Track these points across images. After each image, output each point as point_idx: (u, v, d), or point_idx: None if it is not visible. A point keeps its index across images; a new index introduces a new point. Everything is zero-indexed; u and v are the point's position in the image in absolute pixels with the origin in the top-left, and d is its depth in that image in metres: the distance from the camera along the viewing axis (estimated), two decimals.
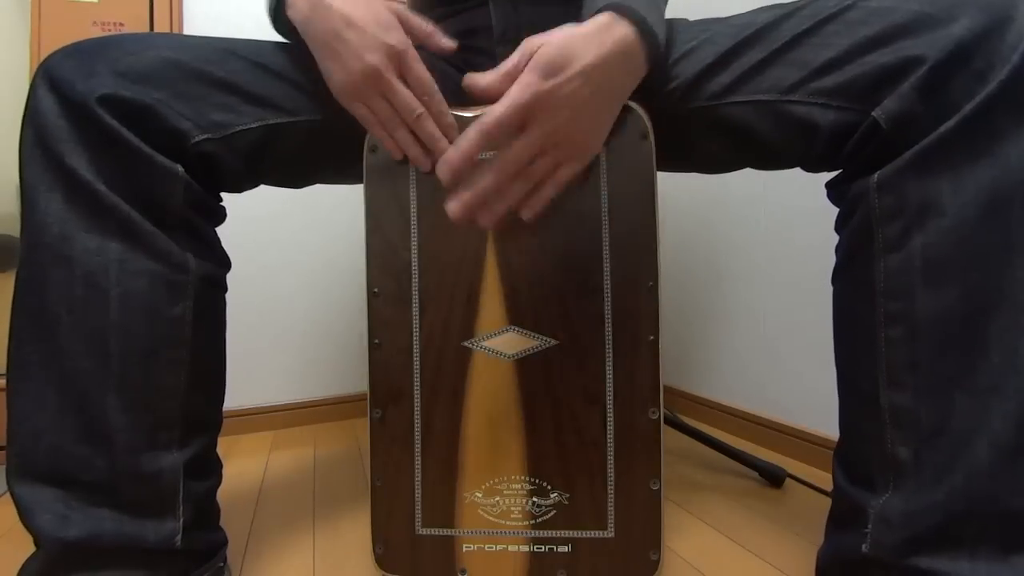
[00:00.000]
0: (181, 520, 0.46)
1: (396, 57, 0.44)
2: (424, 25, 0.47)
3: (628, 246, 0.48)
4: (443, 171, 0.43)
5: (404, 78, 0.46)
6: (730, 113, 0.47)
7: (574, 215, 0.48)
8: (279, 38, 0.54)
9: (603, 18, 0.43)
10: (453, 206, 0.44)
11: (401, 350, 0.50)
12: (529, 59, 0.42)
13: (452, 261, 0.50)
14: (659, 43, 0.45)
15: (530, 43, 0.43)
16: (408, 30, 0.46)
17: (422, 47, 0.47)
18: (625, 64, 0.44)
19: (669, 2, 0.52)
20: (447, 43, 0.48)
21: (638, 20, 0.43)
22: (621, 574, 0.49)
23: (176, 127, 0.45)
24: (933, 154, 0.38)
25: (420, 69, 0.45)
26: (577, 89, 0.42)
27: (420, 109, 0.46)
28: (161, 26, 1.05)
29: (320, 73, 0.51)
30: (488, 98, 0.43)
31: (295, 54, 0.52)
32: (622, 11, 0.43)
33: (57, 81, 0.42)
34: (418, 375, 0.50)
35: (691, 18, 0.53)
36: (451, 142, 0.45)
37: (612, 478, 0.49)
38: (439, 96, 0.46)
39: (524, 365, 0.49)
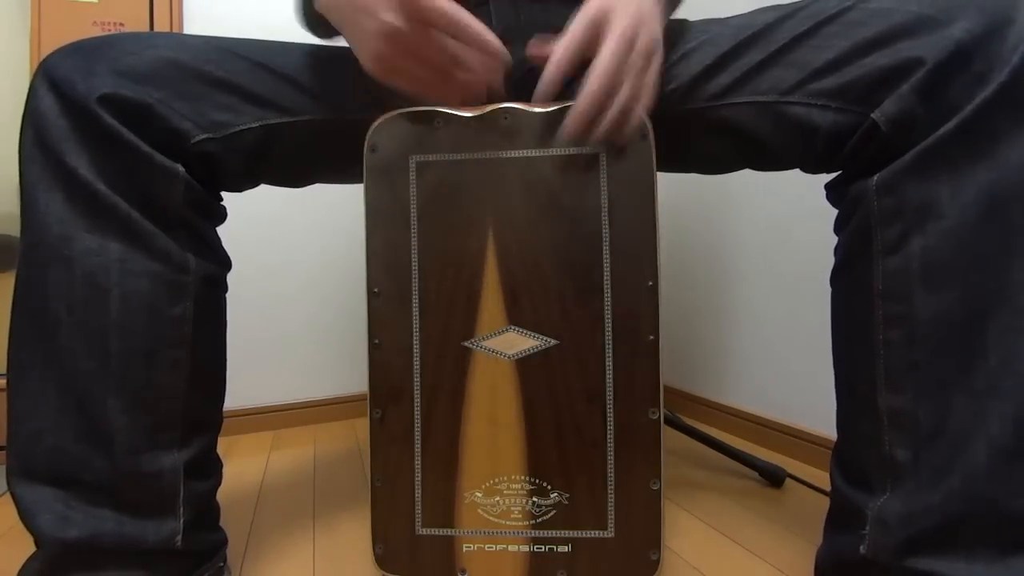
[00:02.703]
0: (181, 520, 0.46)
1: (415, 10, 0.41)
2: None
3: (628, 246, 0.48)
4: (540, 93, 0.44)
5: (431, 24, 0.42)
6: (729, 114, 0.47)
7: (574, 215, 0.48)
8: (279, 37, 0.54)
9: None
10: (569, 122, 0.44)
11: (401, 350, 0.50)
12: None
13: (452, 261, 0.50)
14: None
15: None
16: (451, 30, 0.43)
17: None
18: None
19: None
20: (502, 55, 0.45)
21: None
22: (621, 574, 0.49)
23: (176, 127, 0.45)
24: (932, 156, 0.38)
25: (442, 6, 0.41)
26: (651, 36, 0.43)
27: (464, 49, 0.44)
28: (161, 26, 1.05)
29: (321, 72, 0.52)
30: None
31: (296, 54, 0.52)
32: None
33: (57, 80, 0.42)
34: (418, 375, 0.50)
35: (691, 18, 0.53)
36: (503, 58, 0.44)
37: (612, 478, 0.49)
38: (475, 24, 0.43)
39: (524, 365, 0.49)
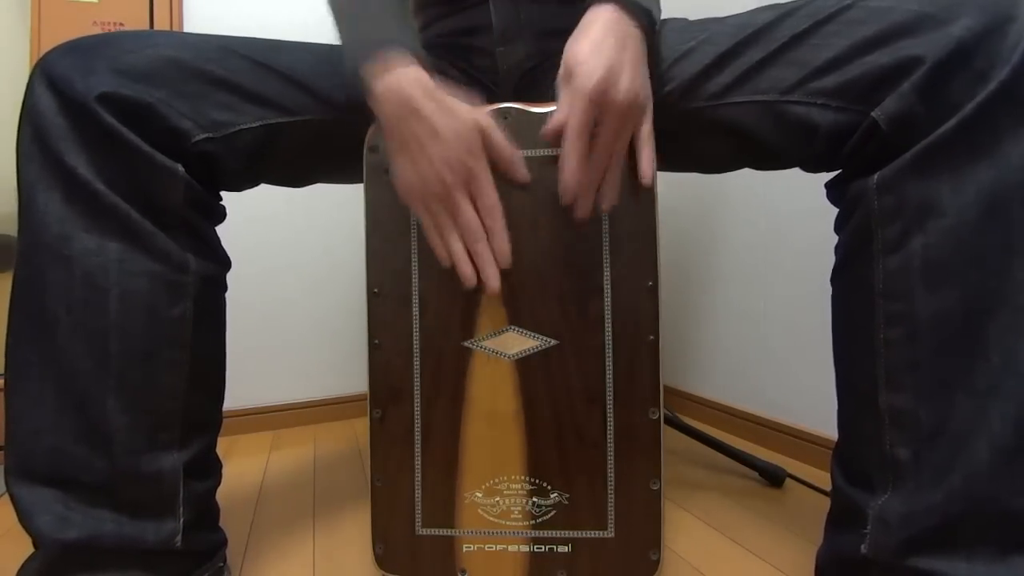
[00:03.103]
0: (181, 520, 0.46)
1: (470, 177, 0.44)
2: (507, 148, 0.46)
3: (628, 246, 0.48)
4: (566, 193, 0.46)
5: (472, 196, 0.45)
6: (729, 113, 0.47)
7: (574, 215, 0.48)
8: (279, 37, 0.54)
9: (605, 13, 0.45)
10: (566, 198, 0.46)
11: (401, 350, 0.50)
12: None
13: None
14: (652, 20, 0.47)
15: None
16: (489, 148, 0.46)
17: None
18: (629, 37, 0.45)
19: (669, 2, 0.52)
20: (523, 175, 0.47)
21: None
22: (621, 574, 0.49)
23: (176, 126, 0.45)
24: (933, 155, 0.38)
25: (491, 192, 0.45)
26: (622, 45, 0.44)
27: (481, 234, 0.46)
28: (161, 26, 1.05)
29: (322, 72, 0.51)
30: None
31: (296, 53, 0.52)
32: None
33: (56, 79, 0.42)
34: (418, 375, 0.50)
35: (691, 18, 0.53)
36: (502, 264, 0.47)
37: (612, 478, 0.49)
38: (501, 220, 0.46)
39: (524, 365, 0.49)
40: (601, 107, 0.43)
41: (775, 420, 0.92)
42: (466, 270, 0.46)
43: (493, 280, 0.46)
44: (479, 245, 0.46)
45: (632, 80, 0.44)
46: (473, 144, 0.44)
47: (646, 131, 0.46)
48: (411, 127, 0.44)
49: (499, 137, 0.46)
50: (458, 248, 0.46)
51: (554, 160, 0.48)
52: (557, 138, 0.45)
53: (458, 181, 0.44)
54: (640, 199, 0.48)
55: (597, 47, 0.43)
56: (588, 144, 0.44)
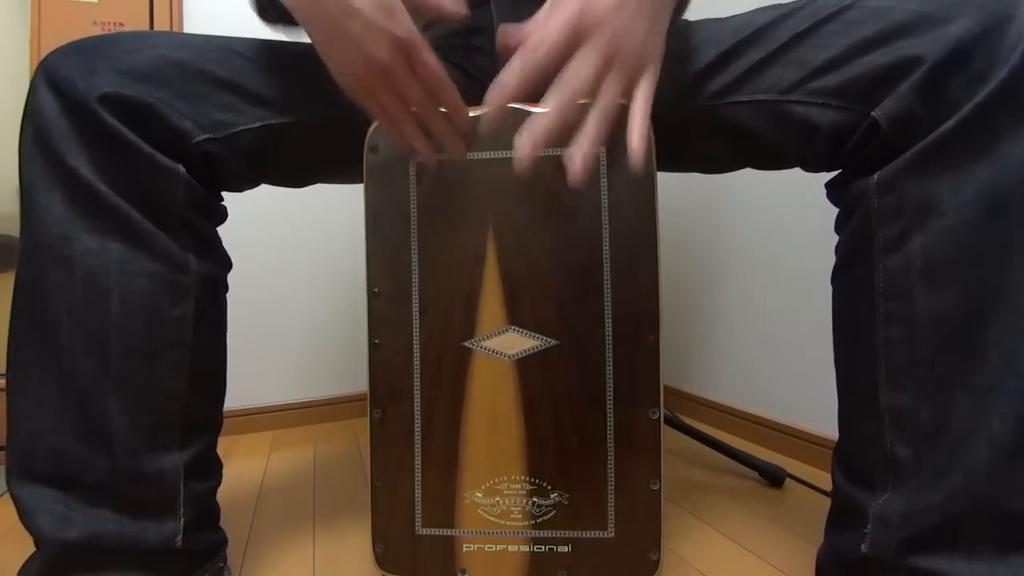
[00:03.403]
0: (182, 520, 0.46)
1: (403, 48, 0.40)
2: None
3: (628, 246, 0.48)
4: (493, 97, 0.38)
5: (413, 68, 0.41)
6: (730, 113, 0.47)
7: (574, 215, 0.48)
8: (279, 37, 0.54)
9: None
10: (518, 150, 0.37)
11: (401, 350, 0.50)
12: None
13: (452, 261, 0.50)
14: None
15: None
16: (413, 6, 0.41)
17: (428, 28, 0.42)
18: None
19: None
20: (457, 8, 0.43)
21: None
22: (621, 574, 0.49)
23: (177, 127, 0.45)
24: (932, 154, 0.38)
25: (430, 59, 0.41)
26: (627, 17, 0.38)
27: (433, 109, 0.44)
28: (161, 26, 1.05)
29: (321, 73, 0.51)
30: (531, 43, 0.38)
31: (297, 54, 0.52)
32: None
33: (57, 79, 0.42)
34: (418, 375, 0.50)
35: (691, 18, 0.53)
36: (466, 137, 0.43)
37: (612, 478, 0.49)
38: (452, 88, 0.43)
39: (524, 365, 0.49)
40: (584, 27, 0.37)
41: (775, 420, 0.92)
42: (421, 145, 0.45)
43: (455, 143, 0.45)
44: (435, 120, 0.44)
45: (635, 17, 0.38)
46: (393, 7, 0.39)
47: (643, 93, 0.39)
48: (324, 9, 0.40)
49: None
50: (409, 128, 0.44)
51: (555, 160, 0.48)
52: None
53: (389, 55, 0.40)
54: (640, 199, 0.48)
55: None
56: (547, 69, 0.37)
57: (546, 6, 0.39)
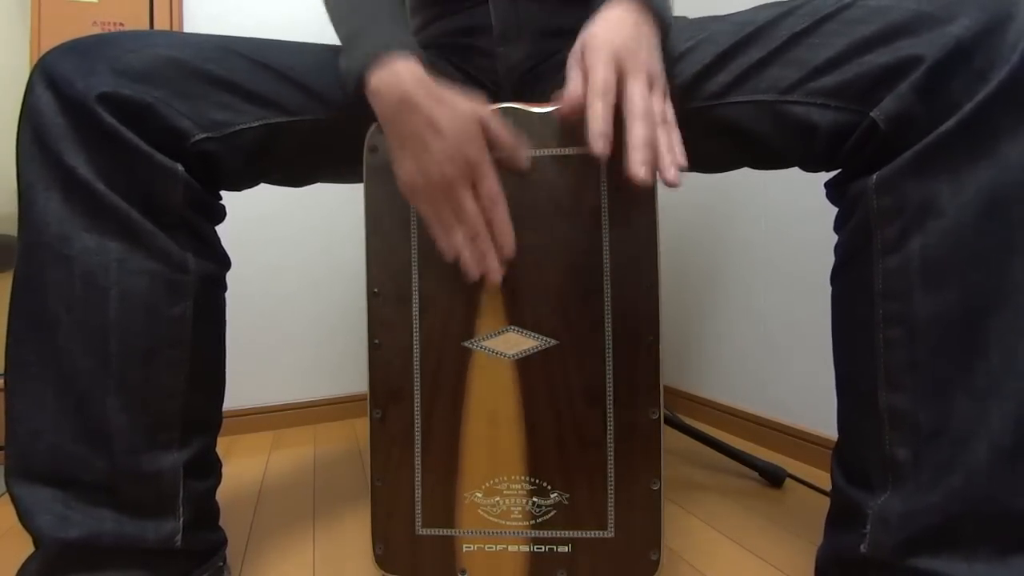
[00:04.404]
0: (181, 520, 0.46)
1: (471, 169, 0.44)
2: (506, 136, 0.46)
3: (628, 246, 0.48)
4: (598, 140, 0.40)
5: (475, 188, 0.45)
6: (729, 113, 0.47)
7: (574, 215, 0.48)
8: (279, 37, 0.54)
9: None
10: (637, 169, 0.40)
11: (401, 350, 0.50)
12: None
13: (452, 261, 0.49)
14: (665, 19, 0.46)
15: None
16: (490, 138, 0.45)
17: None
18: (644, 25, 0.45)
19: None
20: (523, 162, 0.47)
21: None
22: (621, 574, 0.49)
23: (176, 126, 0.45)
24: (932, 155, 0.38)
25: (492, 182, 0.45)
26: (637, 31, 0.43)
27: (483, 227, 0.45)
28: (161, 26, 1.05)
29: (322, 72, 0.51)
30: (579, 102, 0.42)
31: (296, 53, 0.52)
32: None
33: (55, 79, 0.42)
34: (418, 375, 0.50)
35: (691, 17, 0.53)
36: (506, 254, 0.46)
37: (612, 478, 0.49)
38: (504, 210, 0.45)
39: (524, 365, 0.49)
40: (621, 65, 0.42)
41: (775, 420, 0.92)
42: (469, 263, 0.46)
43: (495, 273, 0.46)
44: (481, 238, 0.46)
45: (649, 55, 0.43)
46: (473, 135, 0.44)
47: (669, 106, 0.44)
48: (410, 122, 0.44)
49: (498, 126, 0.45)
50: (460, 239, 0.46)
51: (555, 160, 0.48)
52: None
53: (459, 174, 0.44)
54: (640, 199, 0.48)
55: (613, 26, 0.43)
56: (612, 106, 0.41)
57: (575, 51, 0.45)
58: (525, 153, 0.47)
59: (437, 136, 0.43)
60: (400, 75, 0.43)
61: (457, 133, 0.43)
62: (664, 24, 0.46)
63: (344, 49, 0.49)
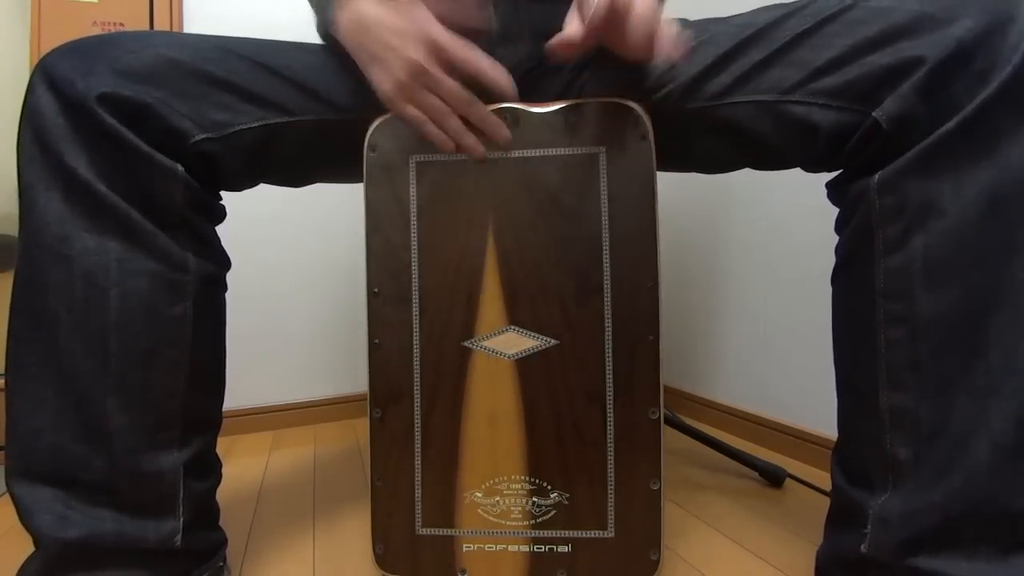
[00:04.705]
0: (181, 520, 0.46)
1: (438, 49, 0.43)
2: (459, 46, 0.44)
3: (628, 246, 0.48)
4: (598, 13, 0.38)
5: (450, 67, 0.44)
6: (730, 113, 0.47)
7: (574, 215, 0.48)
8: (279, 37, 0.54)
9: None
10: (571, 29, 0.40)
11: (401, 350, 0.50)
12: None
13: (452, 261, 0.49)
14: None
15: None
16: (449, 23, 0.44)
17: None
18: None
19: (670, 3, 0.52)
20: (484, 20, 0.47)
21: None
22: (621, 574, 0.49)
23: (176, 126, 0.45)
24: (934, 155, 0.38)
25: (460, 51, 0.44)
26: None
27: (469, 98, 0.45)
28: (161, 26, 1.05)
29: (321, 72, 0.51)
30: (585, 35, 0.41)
31: (296, 53, 0.52)
32: None
33: (56, 79, 0.42)
34: (418, 375, 0.50)
35: (691, 18, 0.53)
36: (504, 142, 0.46)
37: (612, 478, 0.49)
38: (481, 106, 0.45)
39: (524, 365, 0.49)
40: None
41: (775, 420, 0.92)
42: (469, 140, 0.47)
43: (502, 133, 0.47)
44: (475, 108, 0.46)
45: None
46: (426, 19, 0.44)
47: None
48: (371, 35, 0.45)
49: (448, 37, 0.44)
50: (454, 123, 0.46)
51: (555, 160, 0.48)
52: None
53: (425, 55, 0.44)
54: (640, 199, 0.48)
55: None
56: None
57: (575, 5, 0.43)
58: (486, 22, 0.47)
59: (395, 34, 0.44)
60: (360, 5, 0.45)
61: (412, 22, 0.44)
62: None
63: (315, 7, 0.51)
